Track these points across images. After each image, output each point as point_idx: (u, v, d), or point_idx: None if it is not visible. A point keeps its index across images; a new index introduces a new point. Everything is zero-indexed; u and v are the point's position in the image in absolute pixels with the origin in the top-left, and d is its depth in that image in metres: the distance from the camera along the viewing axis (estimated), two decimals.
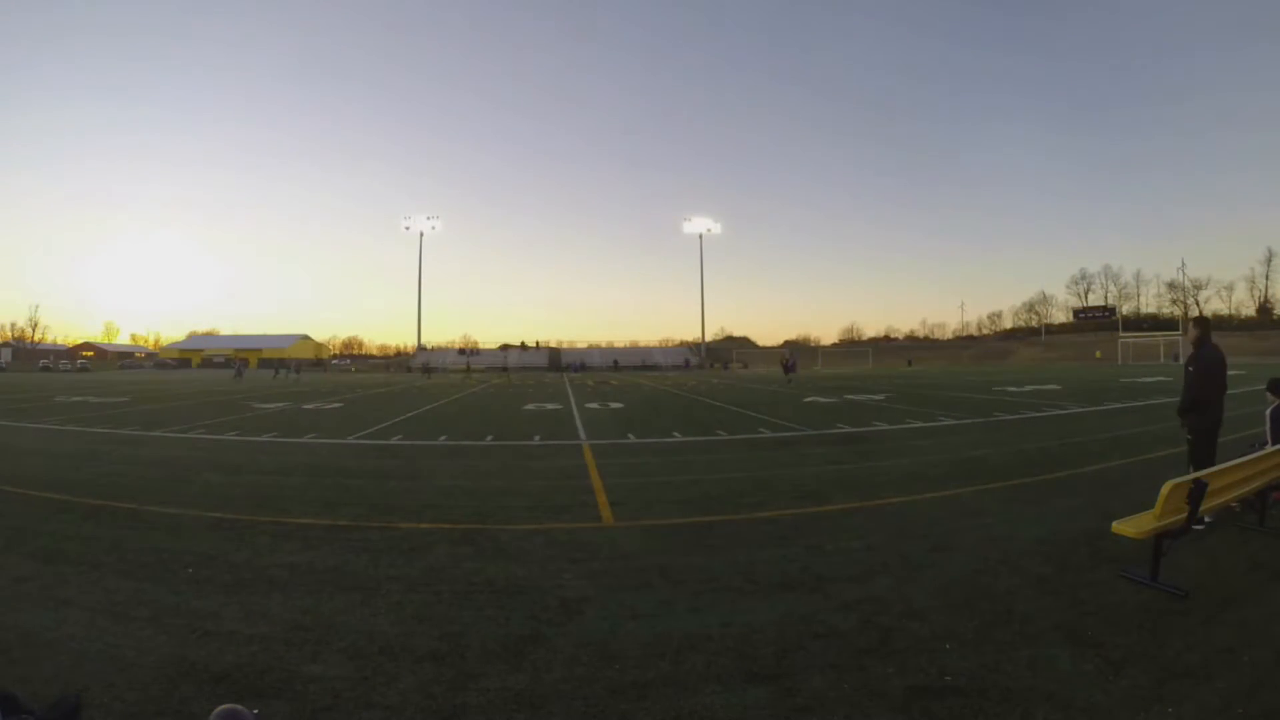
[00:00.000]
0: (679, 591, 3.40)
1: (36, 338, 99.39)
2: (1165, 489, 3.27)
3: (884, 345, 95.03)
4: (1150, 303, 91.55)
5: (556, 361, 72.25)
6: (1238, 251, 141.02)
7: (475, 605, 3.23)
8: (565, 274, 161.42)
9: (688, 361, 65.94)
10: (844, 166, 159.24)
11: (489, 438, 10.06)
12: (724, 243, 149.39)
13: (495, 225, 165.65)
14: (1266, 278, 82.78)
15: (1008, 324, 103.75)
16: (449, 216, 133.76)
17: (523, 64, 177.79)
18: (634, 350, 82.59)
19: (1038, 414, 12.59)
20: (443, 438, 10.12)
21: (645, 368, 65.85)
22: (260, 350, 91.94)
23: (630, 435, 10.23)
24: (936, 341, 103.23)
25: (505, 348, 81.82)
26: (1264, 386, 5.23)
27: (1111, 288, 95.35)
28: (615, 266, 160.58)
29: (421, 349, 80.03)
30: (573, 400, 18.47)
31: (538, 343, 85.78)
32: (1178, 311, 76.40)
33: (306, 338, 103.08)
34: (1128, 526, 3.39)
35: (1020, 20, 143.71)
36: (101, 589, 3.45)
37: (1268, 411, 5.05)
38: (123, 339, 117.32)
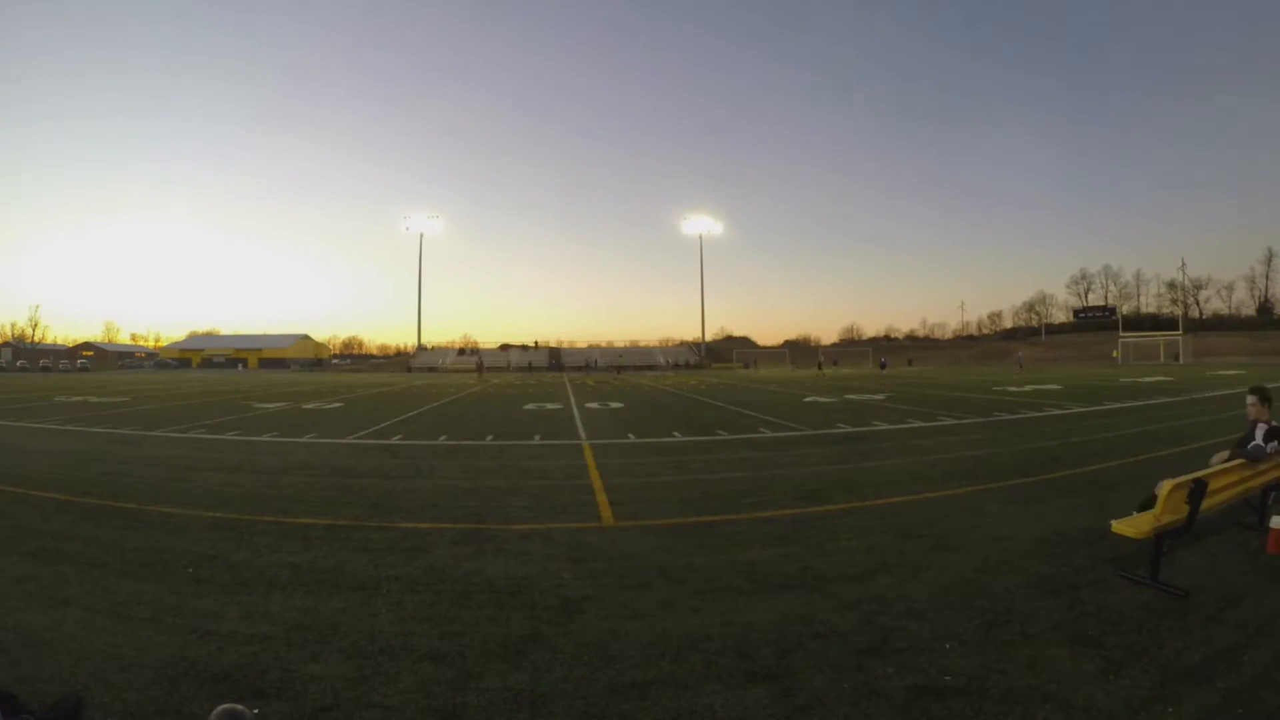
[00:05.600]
0: (679, 591, 3.40)
1: (36, 338, 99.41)
2: (1165, 489, 3.27)
3: (884, 345, 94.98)
4: (1150, 303, 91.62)
5: (557, 361, 72.23)
6: (1238, 251, 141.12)
7: (475, 605, 3.23)
8: (566, 273, 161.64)
9: (592, 364, 56.50)
10: (845, 166, 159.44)
11: (489, 437, 10.06)
12: (724, 242, 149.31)
13: (495, 225, 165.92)
14: (1267, 278, 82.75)
15: (1008, 324, 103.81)
16: (449, 216, 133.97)
17: (524, 63, 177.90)
18: (634, 350, 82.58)
19: (1038, 414, 12.59)
20: (443, 437, 10.11)
21: (645, 367, 65.97)
22: (260, 350, 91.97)
23: (630, 435, 10.23)
24: (937, 341, 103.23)
25: (505, 347, 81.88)
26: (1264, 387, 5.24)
27: (1111, 288, 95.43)
28: (616, 266, 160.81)
29: (421, 349, 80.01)
30: (573, 400, 18.47)
31: (537, 343, 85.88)
32: (1178, 311, 76.38)
33: (306, 337, 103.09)
34: (1128, 526, 3.39)
35: (1021, 20, 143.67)
36: (101, 589, 3.44)
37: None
38: (123, 339, 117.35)
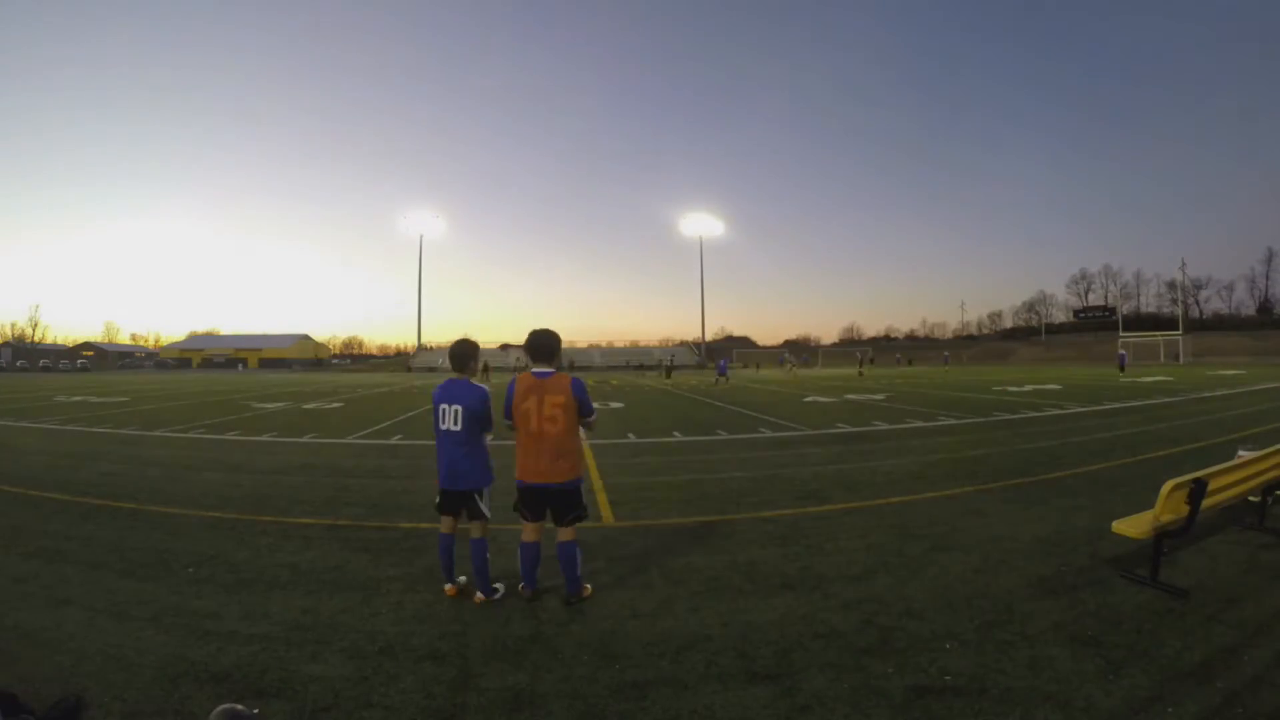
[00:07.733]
0: (679, 591, 3.40)
1: (36, 338, 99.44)
2: (1165, 489, 3.27)
3: (884, 344, 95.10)
4: (1150, 303, 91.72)
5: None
6: (1238, 251, 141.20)
7: (475, 605, 3.23)
8: (566, 273, 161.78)
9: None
10: (846, 166, 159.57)
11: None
12: (724, 242, 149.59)
13: (496, 225, 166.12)
14: (1267, 278, 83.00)
15: (1008, 324, 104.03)
16: (450, 216, 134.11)
17: (524, 63, 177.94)
18: (635, 350, 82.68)
19: (1037, 414, 12.59)
20: None
21: (645, 367, 66.18)
22: (260, 350, 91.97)
23: (630, 435, 10.23)
24: (936, 341, 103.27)
25: (506, 347, 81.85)
26: (1265, 386, 5.28)
27: (1112, 287, 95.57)
28: (616, 266, 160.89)
29: (422, 348, 79.98)
30: None
31: None
32: (1178, 311, 76.34)
33: (306, 338, 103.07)
34: (1128, 526, 3.39)
35: (1022, 21, 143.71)
36: (101, 589, 3.45)
37: None
38: (123, 339, 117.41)
